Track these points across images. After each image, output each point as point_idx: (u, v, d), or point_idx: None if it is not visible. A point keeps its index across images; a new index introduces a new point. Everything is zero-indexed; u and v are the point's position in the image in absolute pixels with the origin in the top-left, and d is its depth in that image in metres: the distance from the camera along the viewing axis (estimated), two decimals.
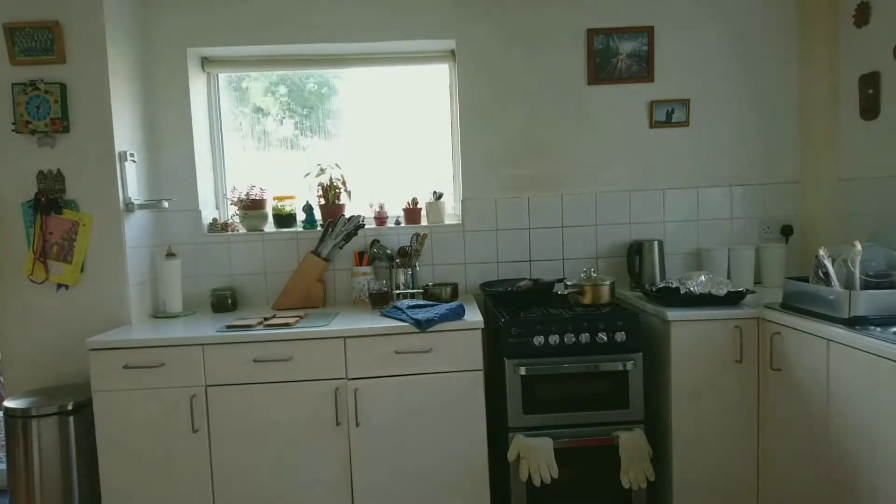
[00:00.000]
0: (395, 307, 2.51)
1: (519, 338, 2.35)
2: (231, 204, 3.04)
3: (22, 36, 2.49)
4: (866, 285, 2.03)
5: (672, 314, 2.32)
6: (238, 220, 3.02)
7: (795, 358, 2.16)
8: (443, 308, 2.38)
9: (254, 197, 2.97)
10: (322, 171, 3.00)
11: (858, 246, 2.04)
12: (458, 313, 2.36)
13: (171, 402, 2.27)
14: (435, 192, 3.01)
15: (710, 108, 2.95)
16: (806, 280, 2.22)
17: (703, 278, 2.46)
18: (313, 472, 2.31)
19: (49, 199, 2.53)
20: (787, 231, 2.95)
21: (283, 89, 3.20)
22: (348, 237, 2.83)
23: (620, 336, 2.36)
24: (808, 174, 2.94)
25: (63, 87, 2.51)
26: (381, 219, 3.02)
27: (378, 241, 2.90)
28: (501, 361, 2.39)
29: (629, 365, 2.35)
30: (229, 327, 2.37)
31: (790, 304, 2.26)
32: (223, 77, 3.14)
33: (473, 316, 2.39)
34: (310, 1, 2.86)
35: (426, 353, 2.30)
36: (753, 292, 2.48)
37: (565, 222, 2.98)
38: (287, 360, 2.28)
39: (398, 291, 2.76)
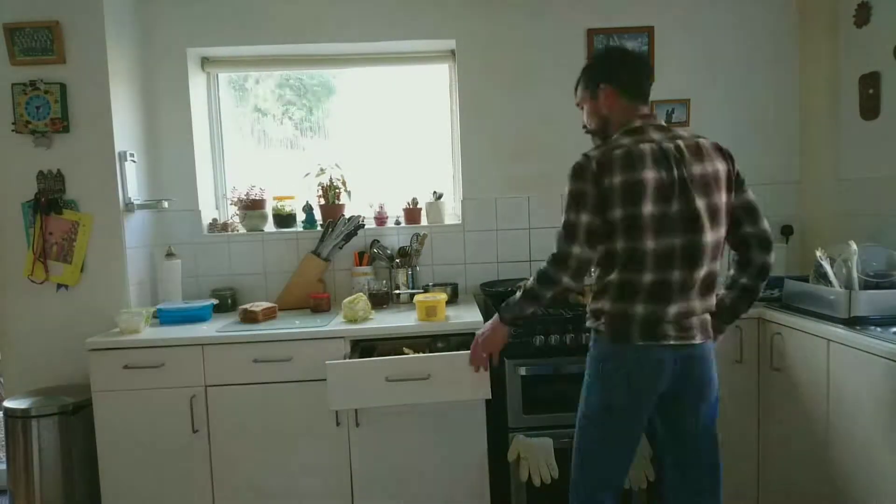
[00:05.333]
0: None
1: (519, 338, 2.34)
2: (231, 204, 3.03)
3: (22, 36, 2.49)
4: (866, 285, 2.03)
5: None
6: (238, 220, 3.02)
7: (795, 358, 2.16)
8: None
9: (254, 197, 2.97)
10: (322, 171, 3.00)
11: (853, 245, 2.04)
12: None
13: (171, 402, 2.27)
14: (435, 192, 3.01)
15: (710, 108, 2.94)
16: (806, 280, 2.22)
17: None
18: (313, 472, 2.31)
19: (49, 200, 2.53)
20: (787, 231, 2.95)
21: (283, 90, 3.20)
22: (348, 237, 2.83)
23: None
24: (808, 174, 2.94)
25: (63, 87, 2.51)
26: (381, 219, 3.01)
27: (378, 241, 2.90)
28: (501, 361, 2.38)
29: None
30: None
31: (790, 304, 2.27)
32: (224, 77, 3.14)
33: (473, 316, 2.39)
34: (310, 1, 2.86)
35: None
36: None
37: None
38: (287, 361, 2.28)
39: (398, 291, 2.76)
